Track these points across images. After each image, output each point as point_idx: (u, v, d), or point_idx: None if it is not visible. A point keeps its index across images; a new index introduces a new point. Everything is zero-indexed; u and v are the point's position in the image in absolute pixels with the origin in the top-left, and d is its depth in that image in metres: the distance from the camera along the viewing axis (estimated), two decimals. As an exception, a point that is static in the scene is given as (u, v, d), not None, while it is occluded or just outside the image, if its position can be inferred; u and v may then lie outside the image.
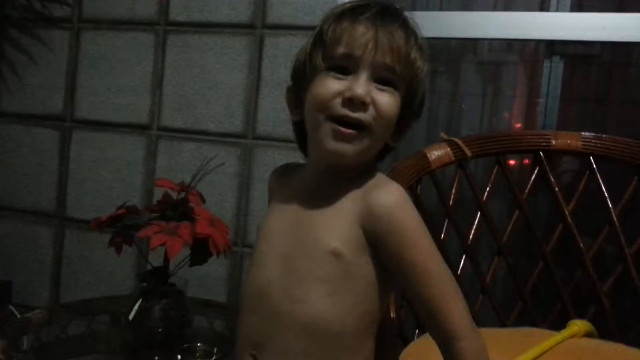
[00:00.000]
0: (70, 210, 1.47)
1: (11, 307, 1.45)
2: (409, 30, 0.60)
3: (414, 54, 0.59)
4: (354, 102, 0.57)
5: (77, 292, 1.43)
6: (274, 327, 0.59)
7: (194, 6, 1.34)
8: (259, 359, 0.60)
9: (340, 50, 0.59)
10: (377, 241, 0.58)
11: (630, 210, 0.98)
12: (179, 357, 0.95)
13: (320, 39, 0.61)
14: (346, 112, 0.58)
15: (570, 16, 1.12)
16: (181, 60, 1.36)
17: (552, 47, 1.16)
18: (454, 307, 0.56)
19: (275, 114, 1.28)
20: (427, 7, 1.26)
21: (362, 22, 0.59)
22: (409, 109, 0.62)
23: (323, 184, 0.63)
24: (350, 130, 0.58)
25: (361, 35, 0.58)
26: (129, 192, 1.39)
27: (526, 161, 1.25)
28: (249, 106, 1.31)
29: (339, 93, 0.58)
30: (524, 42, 1.23)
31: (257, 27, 1.30)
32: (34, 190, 1.50)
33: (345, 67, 0.59)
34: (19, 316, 1.33)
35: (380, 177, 0.63)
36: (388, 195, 0.58)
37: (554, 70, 1.16)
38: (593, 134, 1.02)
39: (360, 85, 0.57)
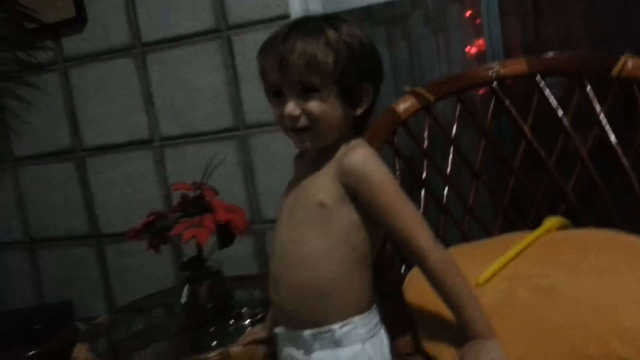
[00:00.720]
0: (104, 228, 1.64)
1: (75, 324, 1.64)
2: (313, 35, 0.72)
3: (321, 53, 0.71)
4: (292, 120, 0.74)
5: (128, 296, 1.60)
6: (283, 265, 0.77)
7: (161, 24, 1.46)
8: (278, 292, 0.77)
9: (266, 81, 0.75)
10: (353, 192, 0.74)
11: (580, 115, 1.11)
12: (231, 322, 1.14)
13: (258, 71, 0.76)
14: (290, 126, 0.75)
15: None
16: (163, 75, 1.49)
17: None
18: (419, 232, 0.72)
19: (259, 103, 1.42)
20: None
21: (268, 51, 0.74)
22: (351, 90, 0.75)
23: (316, 157, 0.79)
24: (300, 136, 0.75)
25: (270, 65, 0.73)
26: (149, 200, 1.55)
27: (482, 91, 1.40)
28: (234, 101, 1.45)
29: (281, 115, 0.75)
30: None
31: (222, 30, 1.42)
32: (67, 218, 1.66)
33: (275, 91, 0.75)
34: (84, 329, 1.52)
35: (352, 144, 0.78)
36: (356, 156, 0.74)
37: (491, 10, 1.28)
38: (535, 55, 1.14)
39: (288, 106, 0.73)
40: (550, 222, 1.05)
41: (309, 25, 0.74)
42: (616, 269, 0.83)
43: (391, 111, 1.13)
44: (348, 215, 0.74)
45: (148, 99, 1.52)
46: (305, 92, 0.73)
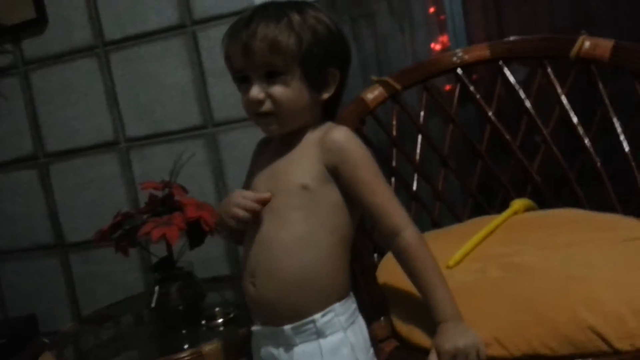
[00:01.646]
0: (68, 236, 1.59)
1: (43, 338, 1.58)
2: (275, 18, 0.72)
3: (283, 36, 0.71)
4: (254, 103, 0.74)
5: (96, 306, 1.56)
6: (265, 252, 0.75)
7: (125, 22, 1.44)
8: (256, 284, 0.75)
9: (231, 67, 0.76)
10: (335, 170, 0.73)
11: (543, 99, 1.14)
12: (203, 322, 1.11)
13: (224, 57, 0.76)
14: (255, 110, 0.75)
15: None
16: (128, 74, 1.47)
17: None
18: (394, 208, 0.73)
19: (226, 99, 1.41)
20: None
21: (231, 37, 0.74)
22: (315, 73, 0.75)
23: (286, 141, 0.78)
24: (265, 119, 0.75)
25: (234, 49, 0.73)
26: (116, 205, 1.50)
27: (447, 87, 1.42)
28: (201, 99, 1.44)
29: (247, 100, 0.75)
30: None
31: (187, 26, 1.41)
32: (30, 227, 1.61)
33: (241, 76, 0.75)
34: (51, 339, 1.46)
35: (330, 125, 0.79)
36: (338, 134, 0.74)
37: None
38: (497, 40, 1.16)
39: (252, 90, 0.73)
40: (517, 204, 1.07)
41: (271, 9, 0.74)
42: (584, 242, 0.85)
43: (359, 100, 1.14)
44: (330, 196, 0.74)
45: (113, 99, 1.49)
46: (270, 76, 0.73)
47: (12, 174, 1.60)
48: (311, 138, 0.77)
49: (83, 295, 1.61)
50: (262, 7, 0.75)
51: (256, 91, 0.73)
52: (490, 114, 1.15)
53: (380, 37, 1.46)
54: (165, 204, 1.17)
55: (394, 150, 1.16)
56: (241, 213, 0.75)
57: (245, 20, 0.73)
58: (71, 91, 1.51)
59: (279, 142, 0.80)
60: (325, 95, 0.78)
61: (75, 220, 1.58)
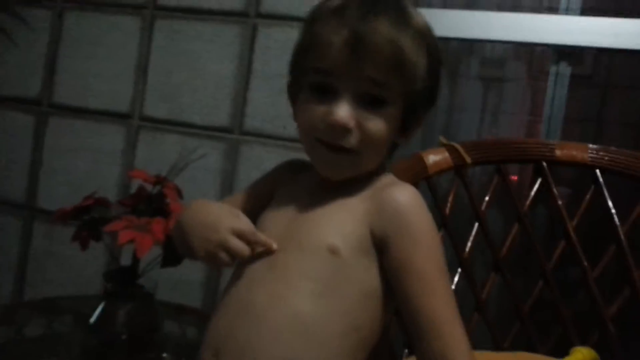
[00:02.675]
0: (41, 200, 1.39)
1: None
2: (400, 19, 0.51)
3: (409, 50, 0.50)
4: (336, 129, 0.51)
5: (42, 289, 1.35)
6: (244, 326, 0.51)
7: (184, -10, 1.27)
8: None
9: (314, 63, 0.52)
10: (384, 243, 0.51)
11: (639, 229, 0.92)
12: (144, 365, 0.87)
13: (299, 46, 0.55)
14: (329, 137, 0.52)
15: (581, 20, 1.05)
16: (168, 47, 1.29)
17: (560, 53, 1.10)
18: (454, 329, 0.49)
19: (265, 109, 1.21)
20: (429, 4, 1.19)
21: (331, 21, 0.50)
22: (415, 113, 0.55)
23: (329, 184, 0.56)
24: (337, 157, 0.53)
25: (334, 40, 0.50)
26: (105, 184, 1.31)
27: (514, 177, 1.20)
28: (237, 99, 1.24)
29: (321, 120, 0.52)
30: (530, 46, 1.16)
31: (250, 16, 1.23)
32: (4, 177, 1.41)
33: (324, 84, 0.52)
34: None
35: (391, 177, 0.57)
36: (402, 193, 0.52)
37: (560, 78, 1.09)
38: (600, 146, 0.95)
39: (341, 109, 0.51)
40: (581, 353, 0.82)
41: (395, 2, 0.52)
42: None
43: (418, 159, 0.93)
44: (365, 276, 0.52)
45: (142, 69, 1.31)
46: (370, 100, 0.51)
47: (7, 113, 1.42)
48: (363, 188, 0.55)
49: (33, 273, 1.39)
50: None
51: (347, 113, 0.51)
52: (570, 227, 0.92)
53: (461, 83, 1.25)
54: (151, 203, 0.96)
55: (442, 232, 0.93)
56: (222, 255, 0.51)
57: (357, 5, 0.50)
58: (101, 45, 1.34)
59: (317, 180, 0.58)
60: (403, 142, 0.58)
61: (56, 185, 1.37)
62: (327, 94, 0.52)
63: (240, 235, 0.51)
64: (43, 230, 1.38)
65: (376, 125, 0.51)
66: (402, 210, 0.51)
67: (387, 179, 0.57)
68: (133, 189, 1.22)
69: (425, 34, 0.52)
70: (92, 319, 0.91)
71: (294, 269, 0.52)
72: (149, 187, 0.98)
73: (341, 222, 0.53)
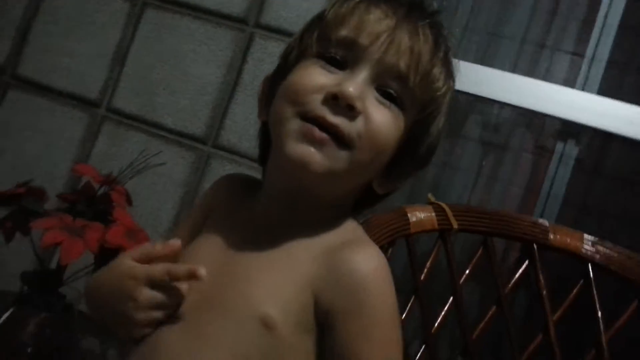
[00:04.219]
0: (-21, 177, 1.24)
1: None
2: (439, 37, 0.45)
3: (439, 69, 0.45)
4: (339, 103, 0.41)
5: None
6: None
7: (184, -17, 1.18)
8: None
9: (342, 32, 0.44)
10: (330, 320, 0.41)
11: (623, 336, 0.83)
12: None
13: (321, 19, 0.45)
14: (325, 112, 0.41)
15: (597, 99, 0.99)
16: (153, 40, 1.18)
17: (568, 131, 1.03)
18: None
19: (245, 125, 1.11)
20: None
21: (380, 7, 0.44)
22: (414, 148, 0.46)
23: (276, 218, 0.46)
24: (323, 134, 0.41)
25: (375, 21, 0.43)
26: (54, 173, 1.18)
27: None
28: (217, 109, 1.13)
29: (322, 87, 0.42)
30: (539, 117, 1.10)
31: (249, 24, 1.14)
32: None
33: (341, 60, 0.43)
34: None
35: (355, 231, 0.46)
36: (365, 261, 0.42)
37: (565, 158, 1.02)
38: (598, 238, 0.88)
39: (354, 84, 0.42)
40: None
41: (438, 18, 0.47)
42: None
43: (401, 214, 0.84)
44: (302, 356, 0.41)
45: (121, 57, 1.20)
46: (383, 93, 0.44)
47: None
48: (316, 238, 0.44)
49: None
50: (427, 3, 0.47)
51: (360, 89, 0.42)
52: (550, 320, 0.83)
53: (456, 155, 1.17)
54: (93, 204, 0.84)
55: (412, 299, 0.83)
56: (154, 314, 0.40)
57: (406, 2, 0.45)
58: (82, 24, 1.23)
59: (262, 209, 0.47)
60: (381, 189, 0.48)
61: (1, 164, 1.23)
62: (341, 67, 0.44)
63: (152, 285, 0.40)
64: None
65: (385, 119, 0.43)
66: (360, 285, 0.40)
67: (351, 228, 0.46)
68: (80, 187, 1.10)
69: (452, 61, 0.48)
70: (-2, 323, 0.78)
71: (216, 340, 0.41)
72: (94, 185, 0.86)
73: (282, 282, 0.42)
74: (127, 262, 0.43)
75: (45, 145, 1.21)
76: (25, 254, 1.15)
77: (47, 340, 0.80)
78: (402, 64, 0.43)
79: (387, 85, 0.43)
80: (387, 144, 0.44)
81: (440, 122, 0.47)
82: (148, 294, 0.40)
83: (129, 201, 0.87)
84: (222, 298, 0.42)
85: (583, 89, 1.03)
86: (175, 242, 0.43)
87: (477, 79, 1.01)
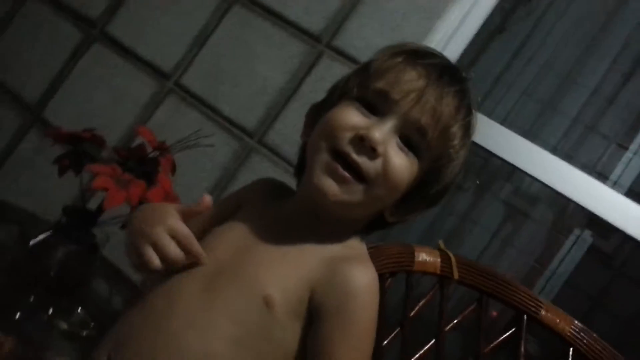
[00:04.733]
0: (48, 111, 1.37)
1: None
2: (462, 102, 0.52)
3: (456, 129, 0.51)
4: (364, 144, 0.49)
5: (7, 190, 1.30)
6: (150, 338, 0.47)
7: (274, -8, 1.28)
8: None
9: (379, 84, 0.51)
10: (319, 315, 0.47)
11: None
12: (51, 311, 0.82)
13: (367, 68, 0.53)
14: (350, 150, 0.49)
15: (620, 199, 1.02)
16: (234, 33, 1.28)
17: (589, 221, 1.07)
18: None
19: (292, 132, 1.19)
20: (491, 114, 1.18)
21: (416, 68, 0.51)
22: (425, 190, 0.52)
23: (297, 223, 0.53)
24: (345, 173, 0.49)
25: (408, 80, 0.50)
26: (113, 124, 1.28)
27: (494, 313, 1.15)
28: (272, 110, 1.22)
29: (354, 128, 0.49)
30: (562, 199, 1.13)
31: (321, 42, 1.22)
32: (33, 78, 1.39)
33: (375, 106, 0.51)
34: None
35: (360, 250, 0.53)
36: (361, 276, 0.49)
37: (579, 243, 1.06)
38: (585, 327, 0.91)
39: (380, 130, 0.49)
40: None
41: (465, 87, 0.54)
42: None
43: (409, 252, 0.89)
44: (288, 343, 0.48)
45: (201, 40, 1.30)
46: (405, 141, 0.51)
47: (58, 21, 1.41)
48: (325, 247, 0.51)
49: (8, 168, 1.35)
50: (457, 73, 0.54)
51: (384, 136, 0.49)
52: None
53: (478, 209, 1.22)
54: (143, 164, 0.93)
55: (398, 331, 0.88)
56: (149, 252, 0.47)
57: (439, 68, 0.52)
58: (174, 2, 1.33)
59: (288, 214, 0.55)
60: (392, 219, 0.55)
61: (69, 104, 1.35)
62: (374, 112, 0.51)
63: (174, 236, 0.48)
64: (36, 137, 1.35)
65: (401, 163, 0.50)
66: (351, 293, 0.47)
67: (356, 245, 0.54)
68: (134, 145, 1.19)
69: (471, 125, 0.54)
70: (32, 242, 0.87)
71: (223, 305, 0.48)
72: (148, 149, 0.95)
73: (288, 273, 0.49)
74: (170, 208, 0.51)
75: (112, 100, 1.32)
76: (68, 191, 1.26)
77: (70, 270, 0.89)
78: (424, 120, 0.50)
79: (409, 135, 0.51)
80: (400, 184, 0.51)
81: (451, 173, 0.53)
82: (165, 240, 0.48)
83: (173, 170, 0.95)
84: (238, 272, 0.49)
85: (618, 180, 1.07)
86: (208, 198, 0.50)
87: (518, 151, 1.06)
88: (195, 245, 0.48)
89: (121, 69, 1.34)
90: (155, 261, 0.48)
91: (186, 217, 0.51)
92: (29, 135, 1.37)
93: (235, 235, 0.54)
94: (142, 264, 0.48)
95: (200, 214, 0.51)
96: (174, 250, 0.47)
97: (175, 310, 0.48)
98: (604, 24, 1.28)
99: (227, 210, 0.59)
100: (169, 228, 0.48)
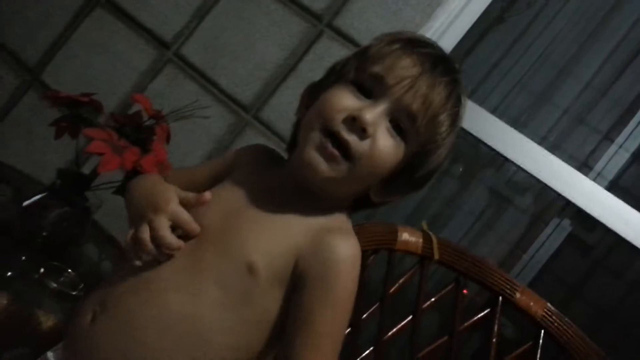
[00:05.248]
0: (47, 74, 1.37)
1: None
2: (453, 92, 0.54)
3: (445, 117, 0.54)
4: (355, 124, 0.51)
5: (5, 152, 1.32)
6: (136, 299, 0.50)
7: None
8: (97, 318, 0.50)
9: (375, 69, 0.53)
10: (301, 281, 0.50)
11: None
12: (42, 270, 0.85)
13: (364, 52, 0.55)
14: (341, 129, 0.51)
15: (604, 194, 1.05)
16: (235, 7, 1.28)
17: (567, 209, 1.10)
18: (322, 351, 0.49)
19: (287, 108, 1.20)
20: (483, 102, 1.20)
21: (412, 56, 0.53)
22: (410, 173, 0.55)
23: (286, 194, 0.55)
24: (334, 151, 0.51)
25: (404, 67, 0.53)
26: (111, 90, 1.29)
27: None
28: (269, 85, 1.24)
29: (346, 109, 0.52)
30: (546, 189, 1.16)
31: (322, 21, 1.23)
32: (28, 39, 1.39)
33: (370, 90, 0.53)
34: None
35: (345, 224, 0.56)
36: (344, 246, 0.51)
37: (558, 230, 1.09)
38: (557, 311, 0.95)
39: (372, 112, 0.51)
40: None
41: (456, 78, 0.56)
42: None
43: (392, 231, 0.92)
44: (270, 308, 0.51)
45: (203, 12, 1.30)
46: (395, 125, 0.53)
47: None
48: (312, 219, 0.54)
49: (6, 128, 1.36)
50: (451, 65, 0.56)
51: (375, 118, 0.51)
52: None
53: (462, 194, 1.25)
54: (139, 132, 0.95)
55: (377, 306, 0.92)
56: (146, 236, 0.49)
57: (434, 58, 0.54)
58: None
59: (278, 184, 0.57)
60: (377, 199, 0.57)
61: (67, 67, 1.36)
62: (368, 96, 0.53)
63: (176, 222, 0.50)
64: (32, 99, 1.36)
65: (387, 145, 0.52)
66: (333, 263, 0.50)
67: (342, 220, 0.56)
68: (130, 112, 1.21)
69: (459, 115, 0.56)
70: (26, 202, 0.89)
71: (208, 269, 0.50)
72: (145, 117, 0.96)
73: (273, 241, 0.51)
74: (172, 193, 0.54)
75: (111, 65, 1.33)
76: (63, 153, 1.28)
77: (61, 231, 0.91)
78: (415, 107, 0.52)
79: (399, 120, 0.53)
80: (383, 166, 0.53)
81: (437, 159, 0.56)
82: (165, 231, 0.50)
83: (167, 139, 0.97)
84: (223, 237, 0.52)
85: (602, 171, 1.10)
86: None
87: (505, 140, 1.08)
88: (196, 230, 0.51)
89: (122, 35, 1.34)
90: (151, 250, 0.50)
91: (182, 205, 0.53)
92: (26, 97, 1.38)
93: (225, 198, 0.56)
94: (136, 245, 0.50)
95: (196, 207, 0.53)
96: (170, 240, 0.50)
97: (161, 272, 0.51)
98: (603, 19, 1.29)
99: (221, 171, 0.62)
100: (171, 215, 0.51)
